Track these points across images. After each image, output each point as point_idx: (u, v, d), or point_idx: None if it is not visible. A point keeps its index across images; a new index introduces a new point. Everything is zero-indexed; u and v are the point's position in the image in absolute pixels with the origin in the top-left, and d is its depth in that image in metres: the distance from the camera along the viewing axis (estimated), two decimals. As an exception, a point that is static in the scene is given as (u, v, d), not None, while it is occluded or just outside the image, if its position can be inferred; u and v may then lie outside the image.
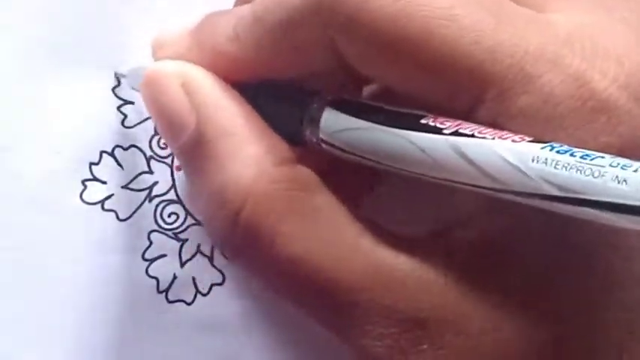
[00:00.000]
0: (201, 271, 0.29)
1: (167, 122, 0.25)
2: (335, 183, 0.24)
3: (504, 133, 0.21)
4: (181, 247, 0.29)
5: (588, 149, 0.20)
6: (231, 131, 0.24)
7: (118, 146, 0.29)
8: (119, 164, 0.29)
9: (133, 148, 0.29)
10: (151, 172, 0.29)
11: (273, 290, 0.25)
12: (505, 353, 0.22)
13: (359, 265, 0.23)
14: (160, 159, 0.29)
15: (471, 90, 0.22)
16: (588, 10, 0.23)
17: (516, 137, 0.21)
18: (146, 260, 0.29)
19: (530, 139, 0.21)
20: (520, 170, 0.20)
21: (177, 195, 0.29)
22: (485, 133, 0.21)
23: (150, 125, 0.29)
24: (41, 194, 0.28)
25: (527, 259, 0.23)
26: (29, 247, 0.28)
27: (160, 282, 0.29)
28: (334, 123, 0.23)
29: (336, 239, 0.23)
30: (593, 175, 0.19)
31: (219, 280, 0.29)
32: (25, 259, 0.28)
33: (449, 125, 0.21)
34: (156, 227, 0.29)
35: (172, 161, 0.29)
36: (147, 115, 0.29)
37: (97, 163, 0.29)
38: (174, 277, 0.29)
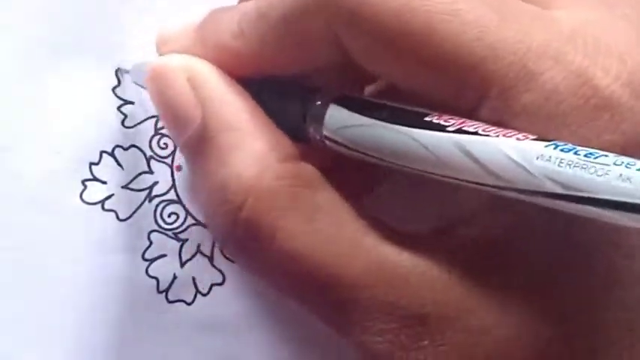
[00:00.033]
0: (202, 271, 0.29)
1: (172, 116, 0.25)
2: (338, 180, 0.24)
3: (508, 131, 0.21)
4: (181, 247, 0.29)
5: (591, 147, 0.20)
6: (236, 126, 0.24)
7: (118, 146, 0.29)
8: (119, 164, 0.29)
9: (133, 148, 0.29)
10: (151, 172, 0.29)
11: (274, 286, 0.25)
12: (506, 351, 0.22)
13: (361, 261, 0.23)
14: (160, 159, 0.29)
15: (474, 87, 0.22)
16: (592, 6, 0.23)
17: (520, 135, 0.21)
18: (146, 260, 0.29)
19: (534, 137, 0.20)
20: (524, 168, 0.20)
21: (177, 195, 0.29)
22: (489, 131, 0.21)
23: (150, 125, 0.29)
24: (41, 194, 0.28)
25: (530, 257, 0.23)
26: (29, 247, 0.28)
27: (160, 282, 0.29)
28: (338, 120, 0.23)
29: (339, 236, 0.23)
30: (597, 174, 0.19)
31: (220, 280, 0.29)
32: (25, 259, 0.28)
33: (453, 123, 0.21)
34: (156, 227, 0.29)
35: (172, 161, 0.29)
36: (147, 115, 0.29)
37: (97, 163, 0.29)
38: (174, 277, 0.29)
